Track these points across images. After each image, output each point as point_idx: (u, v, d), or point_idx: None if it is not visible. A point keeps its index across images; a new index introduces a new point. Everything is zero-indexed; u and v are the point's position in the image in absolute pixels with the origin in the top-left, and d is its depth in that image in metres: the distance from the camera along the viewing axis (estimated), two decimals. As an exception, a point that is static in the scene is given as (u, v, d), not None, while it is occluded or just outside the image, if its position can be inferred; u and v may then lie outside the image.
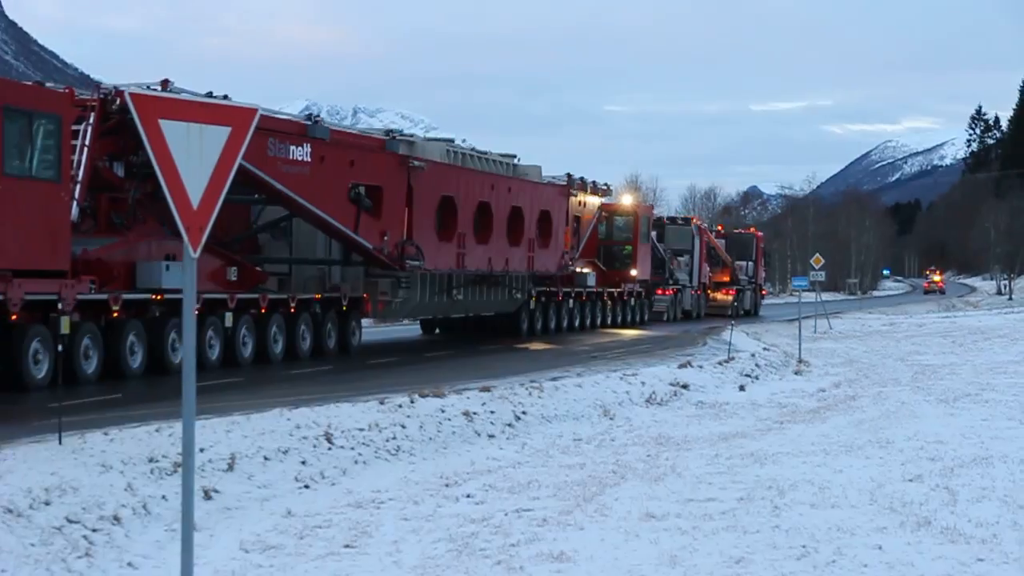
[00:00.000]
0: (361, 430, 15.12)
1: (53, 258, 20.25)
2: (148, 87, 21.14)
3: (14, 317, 19.35)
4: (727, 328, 35.50)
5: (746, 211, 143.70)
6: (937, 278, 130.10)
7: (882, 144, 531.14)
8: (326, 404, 16.55)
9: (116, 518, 10.71)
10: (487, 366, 26.87)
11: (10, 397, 18.99)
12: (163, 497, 11.40)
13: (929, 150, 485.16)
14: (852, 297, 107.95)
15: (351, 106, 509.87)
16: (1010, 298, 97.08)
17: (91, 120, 22.26)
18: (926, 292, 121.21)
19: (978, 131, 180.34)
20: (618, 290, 46.54)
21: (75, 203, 21.44)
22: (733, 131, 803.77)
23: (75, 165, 21.63)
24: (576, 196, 42.04)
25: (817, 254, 49.42)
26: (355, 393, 19.40)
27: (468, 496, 12.57)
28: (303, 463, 13.54)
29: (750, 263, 64.45)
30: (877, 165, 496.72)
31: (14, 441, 13.00)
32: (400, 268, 30.02)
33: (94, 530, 10.38)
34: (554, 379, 22.14)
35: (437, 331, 39.83)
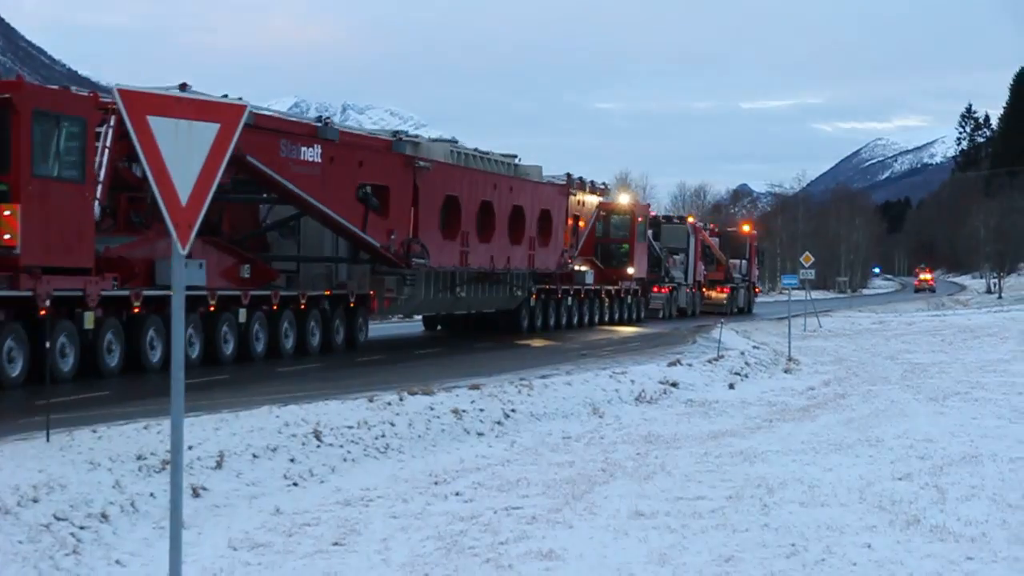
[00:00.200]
0: (350, 428, 15.11)
1: (78, 256, 21.20)
2: (166, 90, 21.46)
3: (43, 312, 20.12)
4: (717, 326, 35.54)
5: (736, 209, 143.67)
6: (928, 276, 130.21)
7: (872, 142, 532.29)
8: (315, 401, 16.55)
9: (104, 516, 10.70)
10: (478, 364, 26.87)
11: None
12: (151, 495, 11.38)
13: (919, 148, 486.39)
14: (842, 295, 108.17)
15: (340, 103, 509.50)
16: (999, 297, 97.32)
17: (111, 122, 22.93)
18: (917, 290, 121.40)
19: (968, 130, 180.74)
20: (615, 288, 47.20)
21: (97, 203, 22.21)
22: (723, 129, 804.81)
23: (96, 166, 22.42)
24: (575, 195, 42.72)
25: (807, 252, 49.51)
26: (344, 391, 19.39)
27: (457, 494, 12.57)
28: (292, 461, 13.53)
29: (744, 261, 64.87)
30: (867, 163, 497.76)
31: (6, 437, 12.98)
32: (406, 266, 30.77)
33: (82, 528, 10.37)
34: (544, 377, 22.15)
35: (439, 328, 40.55)
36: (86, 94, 22.80)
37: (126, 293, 22.27)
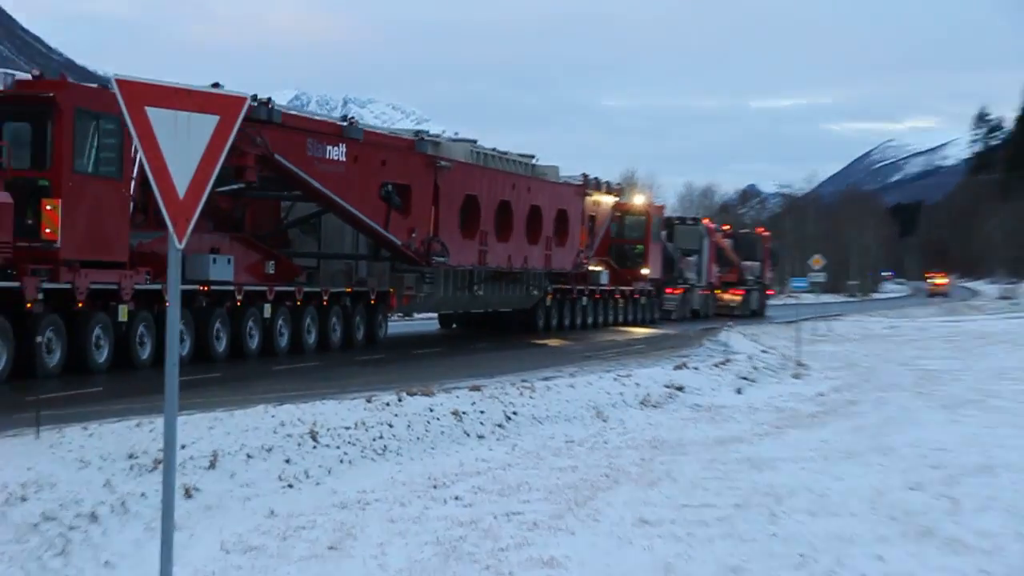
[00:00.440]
0: (347, 428, 15.07)
1: (114, 250, 22.35)
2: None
3: (80, 304, 21.43)
4: (724, 329, 35.51)
5: (744, 210, 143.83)
6: (942, 280, 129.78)
7: (884, 143, 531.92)
8: (312, 401, 16.51)
9: (94, 516, 10.66)
10: (479, 364, 26.87)
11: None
12: (142, 495, 11.34)
13: (932, 150, 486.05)
14: (853, 299, 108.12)
15: (341, 96, 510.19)
16: (1015, 303, 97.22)
17: None
18: (930, 295, 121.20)
19: (982, 132, 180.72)
20: (630, 289, 47.66)
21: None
22: (731, 128, 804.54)
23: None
24: (591, 196, 43.35)
25: (817, 255, 49.55)
26: (341, 390, 19.37)
27: (456, 498, 12.53)
28: (287, 462, 13.49)
29: (757, 263, 65.10)
30: (878, 165, 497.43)
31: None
32: (426, 264, 31.61)
33: (71, 528, 10.32)
34: (547, 379, 22.11)
35: (455, 326, 41.48)
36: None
37: (158, 287, 23.12)
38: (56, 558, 9.71)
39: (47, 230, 20.75)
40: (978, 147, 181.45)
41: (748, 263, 64.15)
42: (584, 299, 43.85)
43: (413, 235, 30.92)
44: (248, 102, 8.21)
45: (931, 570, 10.01)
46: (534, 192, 37.94)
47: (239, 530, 10.95)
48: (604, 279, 45.41)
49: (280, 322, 27.52)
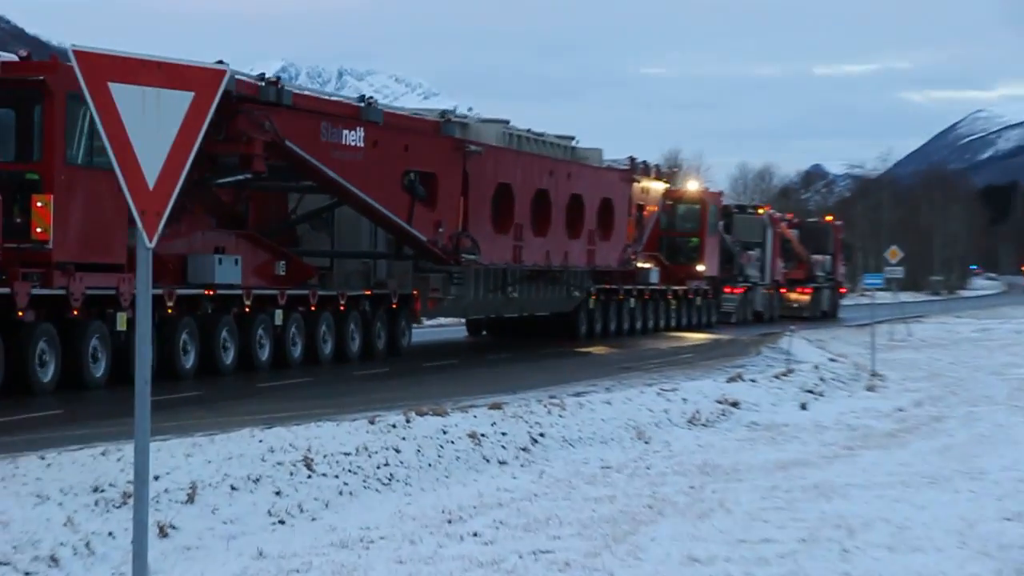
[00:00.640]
0: (347, 454, 15.12)
1: (112, 251, 22.57)
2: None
3: (75, 312, 21.68)
4: (785, 334, 35.49)
5: (808, 194, 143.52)
6: None
7: (972, 115, 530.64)
8: (306, 423, 16.56)
9: (53, 559, 10.71)
10: (500, 378, 26.93)
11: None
12: (110, 534, 11.39)
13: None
14: (936, 298, 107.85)
15: (336, 67, 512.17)
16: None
17: None
18: None
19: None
20: (683, 288, 47.81)
21: None
22: (792, 99, 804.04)
23: None
24: (639, 182, 43.40)
25: (894, 247, 49.49)
26: (339, 410, 19.42)
27: (475, 535, 12.55)
28: (277, 494, 13.53)
29: (828, 257, 65.08)
30: (965, 140, 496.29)
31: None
32: (455, 262, 31.97)
33: (27, 573, 10.38)
34: (578, 394, 22.14)
35: (484, 332, 41.82)
36: None
37: (159, 292, 23.47)
38: (11, 608, 9.76)
39: (38, 229, 20.93)
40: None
41: (818, 257, 64.18)
42: (631, 300, 44.15)
43: (440, 230, 31.23)
44: (228, 75, 8.24)
45: (1030, 614, 9.99)
46: (575, 179, 38.18)
47: (223, 574, 10.99)
48: (654, 277, 45.62)
49: (293, 330, 27.94)
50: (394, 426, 16.65)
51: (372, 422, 16.77)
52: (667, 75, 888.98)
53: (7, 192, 20.67)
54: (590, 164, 40.07)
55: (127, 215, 22.67)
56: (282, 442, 14.99)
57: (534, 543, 12.19)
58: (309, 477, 14.19)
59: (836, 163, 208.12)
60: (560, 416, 19.31)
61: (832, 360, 32.43)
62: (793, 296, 61.89)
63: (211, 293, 25.39)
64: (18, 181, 21.03)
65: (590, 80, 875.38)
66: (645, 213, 44.85)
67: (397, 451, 15.76)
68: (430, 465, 15.83)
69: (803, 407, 24.24)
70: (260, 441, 14.92)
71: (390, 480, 15.01)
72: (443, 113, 33.94)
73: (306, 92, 29.36)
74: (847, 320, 59.66)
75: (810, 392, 26.10)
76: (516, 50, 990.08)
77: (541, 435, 18.17)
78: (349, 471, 14.73)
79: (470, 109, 38.10)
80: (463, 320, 41.75)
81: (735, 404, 23.02)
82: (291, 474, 14.08)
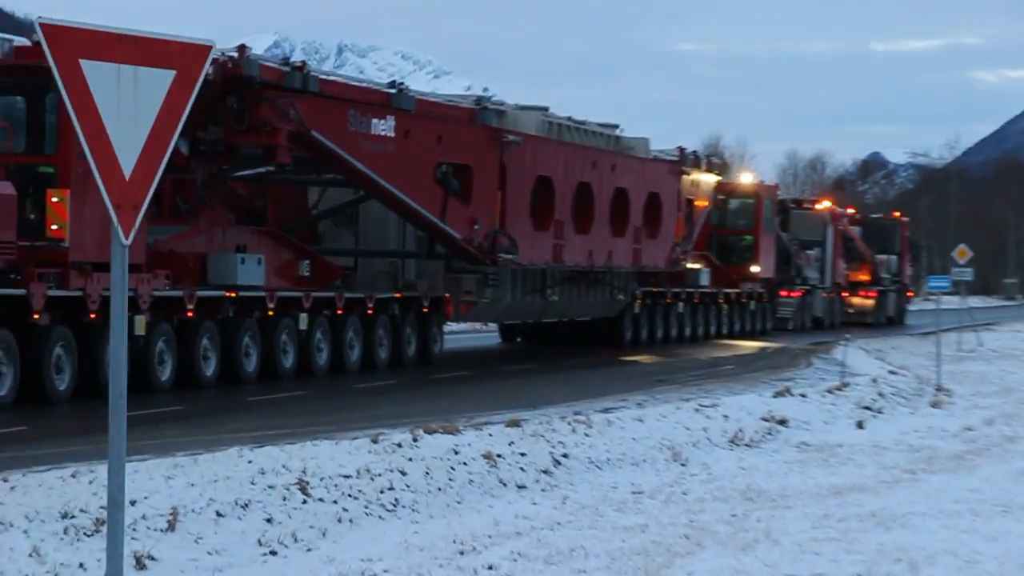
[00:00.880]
0: (347, 477, 15.13)
1: (131, 249, 22.33)
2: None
3: (92, 316, 22.10)
4: (840, 343, 35.45)
5: (866, 186, 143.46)
6: None
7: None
8: (300, 442, 16.57)
9: (18, 593, 10.74)
10: (518, 391, 26.97)
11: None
12: (80, 566, 11.42)
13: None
14: (1010, 303, 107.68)
15: (335, 42, 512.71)
16: None
17: None
18: None
19: None
20: (736, 291, 47.99)
21: None
22: (848, 79, 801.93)
23: None
24: (688, 175, 43.55)
25: (962, 245, 49.50)
26: (339, 427, 19.44)
27: (490, 567, 12.56)
28: (269, 521, 13.55)
29: (894, 257, 64.97)
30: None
31: None
32: (491, 262, 32.35)
33: (-12, 609, 10.41)
34: (607, 410, 22.16)
35: (519, 339, 42.43)
36: None
37: (179, 294, 24.06)
38: (-30, 648, 9.79)
39: (53, 226, 21.31)
40: None
41: (883, 257, 64.08)
42: (680, 305, 44.50)
43: (475, 227, 31.55)
44: (213, 50, 8.25)
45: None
46: (619, 171, 38.45)
47: (207, 611, 11.01)
48: (704, 279, 45.89)
49: (318, 335, 28.38)
50: (399, 445, 16.66)
51: (375, 441, 16.78)
52: (705, 51, 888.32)
53: (21, 186, 20.92)
54: (636, 155, 40.29)
55: (145, 211, 23.34)
56: (274, 463, 14.99)
57: (556, 577, 12.20)
58: (304, 502, 14.21)
59: (897, 151, 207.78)
60: (586, 435, 19.31)
61: (892, 373, 32.38)
62: (856, 300, 61.94)
63: (233, 295, 25.79)
64: (31, 174, 21.37)
65: (617, 57, 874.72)
66: (695, 209, 45.18)
67: (403, 473, 15.77)
68: (440, 489, 15.83)
69: (859, 425, 24.22)
70: (249, 462, 14.93)
71: (395, 506, 15.02)
72: (478, 100, 34.30)
73: (333, 78, 29.85)
74: (910, 328, 59.61)
75: (867, 409, 26.06)
76: (535, 24, 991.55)
77: (564, 456, 18.17)
78: (349, 496, 14.74)
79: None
80: (496, 326, 42.14)
81: (783, 422, 22.99)
82: (284, 499, 14.10)
